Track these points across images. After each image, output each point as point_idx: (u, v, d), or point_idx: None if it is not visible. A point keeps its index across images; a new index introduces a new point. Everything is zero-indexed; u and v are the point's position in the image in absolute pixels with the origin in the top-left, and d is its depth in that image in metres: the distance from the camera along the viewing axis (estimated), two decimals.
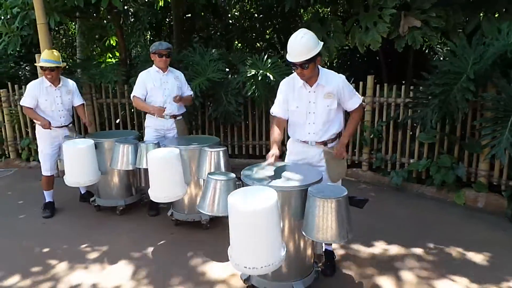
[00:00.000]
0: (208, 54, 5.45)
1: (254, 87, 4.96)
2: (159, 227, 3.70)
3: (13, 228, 3.75)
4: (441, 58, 6.49)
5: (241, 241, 2.16)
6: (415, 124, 4.53)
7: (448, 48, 4.38)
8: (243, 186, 2.48)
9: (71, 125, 4.10)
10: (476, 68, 3.72)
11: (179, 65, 5.13)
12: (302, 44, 2.50)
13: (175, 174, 3.22)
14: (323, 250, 2.93)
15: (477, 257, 3.10)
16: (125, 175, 4.02)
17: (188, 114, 4.79)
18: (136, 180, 4.15)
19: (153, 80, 3.85)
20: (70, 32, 9.20)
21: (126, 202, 4.02)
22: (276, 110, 2.82)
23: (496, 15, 4.56)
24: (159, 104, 3.84)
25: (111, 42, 8.13)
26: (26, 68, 7.44)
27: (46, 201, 4.06)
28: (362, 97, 4.75)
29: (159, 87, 3.85)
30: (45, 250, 3.31)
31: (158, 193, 3.23)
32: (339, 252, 3.18)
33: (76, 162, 3.63)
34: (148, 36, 8.45)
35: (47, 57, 3.75)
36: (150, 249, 3.29)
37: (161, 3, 7.71)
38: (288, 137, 2.94)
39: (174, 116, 3.96)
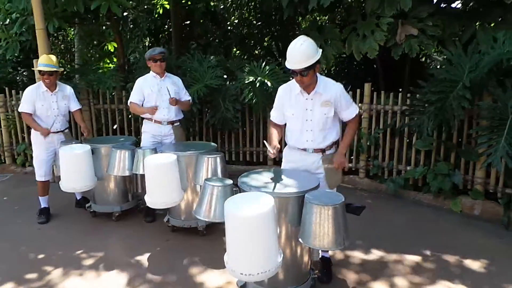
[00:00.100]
0: (206, 61, 5.47)
1: (251, 94, 4.98)
2: (155, 233, 3.68)
3: (8, 234, 3.72)
4: (438, 66, 6.53)
5: (238, 247, 2.15)
6: (412, 132, 4.55)
7: (445, 56, 4.42)
8: (240, 192, 2.48)
9: (67, 130, 4.10)
10: (472, 76, 3.75)
11: (177, 71, 5.14)
12: (301, 51, 2.51)
13: (172, 180, 3.21)
14: (320, 257, 2.92)
15: (475, 264, 3.10)
16: (121, 181, 4.00)
17: (185, 120, 4.79)
18: (132, 186, 4.14)
19: (150, 85, 3.87)
20: (68, 38, 9.21)
21: (122, 208, 4.00)
22: (273, 114, 2.86)
23: (492, 25, 4.61)
24: (159, 108, 3.85)
25: (109, 48, 8.15)
26: (24, 73, 7.43)
27: (42, 206, 4.04)
28: (360, 104, 4.85)
29: (156, 93, 3.86)
30: (40, 256, 3.28)
31: (154, 199, 3.21)
32: (335, 259, 3.17)
33: (73, 167, 3.61)
34: (146, 43, 8.48)
35: (45, 61, 3.76)
36: (146, 256, 3.27)
37: (160, 10, 7.76)
38: (285, 144, 2.95)
39: (172, 122, 3.96)
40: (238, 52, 8.62)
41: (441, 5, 5.00)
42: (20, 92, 5.43)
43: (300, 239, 2.32)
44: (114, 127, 6.00)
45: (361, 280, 2.91)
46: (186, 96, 4.13)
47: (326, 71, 7.63)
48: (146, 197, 3.24)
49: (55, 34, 8.11)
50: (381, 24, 4.45)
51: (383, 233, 3.66)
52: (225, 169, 3.35)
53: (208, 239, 3.54)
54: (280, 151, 2.80)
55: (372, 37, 4.54)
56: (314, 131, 2.71)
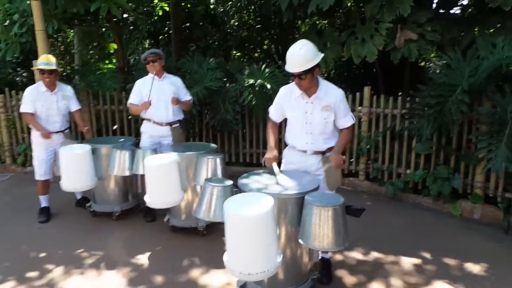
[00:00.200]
0: (206, 63, 5.49)
1: (251, 96, 5.00)
2: (155, 233, 3.69)
3: (8, 233, 3.71)
4: (437, 71, 6.57)
5: (237, 246, 2.16)
6: (411, 135, 4.58)
7: (444, 61, 4.45)
8: (240, 193, 2.49)
9: (67, 130, 4.10)
10: (471, 81, 3.78)
11: (177, 73, 5.16)
12: (300, 55, 2.54)
13: (172, 180, 3.21)
14: (320, 258, 2.93)
15: (475, 268, 3.10)
16: (121, 181, 4.01)
17: (185, 122, 4.80)
18: (132, 186, 4.14)
19: (148, 87, 3.87)
20: (68, 40, 9.23)
21: (122, 208, 4.01)
22: (271, 112, 2.91)
23: (491, 31, 4.64)
24: (155, 110, 3.86)
25: (109, 49, 8.17)
26: (23, 74, 7.44)
27: (42, 206, 4.04)
28: (359, 107, 4.88)
29: (155, 93, 3.86)
30: (41, 255, 3.28)
31: (154, 199, 3.22)
32: (335, 260, 3.18)
33: (73, 167, 3.62)
34: (146, 45, 8.50)
35: (45, 60, 3.77)
36: (147, 255, 3.27)
37: (159, 12, 7.79)
38: (285, 145, 2.97)
39: (170, 124, 3.96)
40: (237, 55, 8.65)
41: (440, 11, 5.04)
42: (20, 92, 5.44)
43: (300, 240, 2.33)
44: (114, 127, 6.01)
45: (360, 281, 2.91)
46: (186, 96, 4.13)
47: (326, 75, 7.66)
48: (146, 197, 3.25)
49: (55, 36, 8.13)
50: (380, 29, 4.48)
51: (383, 235, 3.67)
52: (225, 170, 3.36)
53: (208, 239, 3.54)
54: (280, 152, 2.84)
55: (371, 41, 4.57)
56: (314, 134, 2.73)
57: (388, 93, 4.97)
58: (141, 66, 5.65)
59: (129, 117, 5.73)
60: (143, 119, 4.07)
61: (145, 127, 4.03)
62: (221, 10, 8.53)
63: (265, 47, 8.60)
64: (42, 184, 4.01)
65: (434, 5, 5.03)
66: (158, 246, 3.45)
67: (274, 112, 2.89)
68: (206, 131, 5.72)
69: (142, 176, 3.50)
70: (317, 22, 7.88)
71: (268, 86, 4.93)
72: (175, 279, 2.93)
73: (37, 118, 3.86)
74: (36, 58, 4.35)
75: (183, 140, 4.24)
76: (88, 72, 5.89)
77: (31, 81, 5.40)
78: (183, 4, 7.59)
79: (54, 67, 3.76)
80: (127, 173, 3.69)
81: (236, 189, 2.54)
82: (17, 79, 7.18)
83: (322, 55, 2.63)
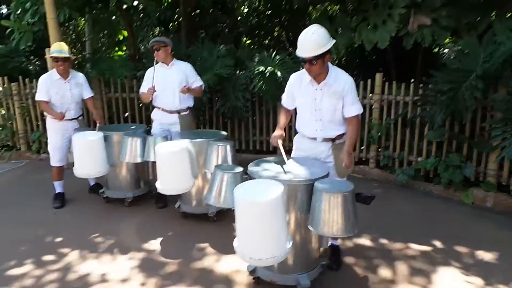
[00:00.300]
0: (216, 50, 5.47)
1: (261, 83, 4.98)
2: (167, 219, 3.75)
3: (24, 218, 3.81)
4: (451, 57, 6.44)
5: (247, 232, 2.19)
6: (423, 122, 4.52)
7: (459, 46, 4.35)
8: (249, 180, 2.50)
9: (81, 118, 4.16)
10: (486, 67, 3.69)
11: (187, 60, 5.15)
12: (312, 40, 2.51)
13: (182, 167, 3.24)
14: (329, 244, 2.95)
15: (487, 256, 3.08)
16: (133, 168, 4.06)
17: (196, 109, 4.81)
18: (144, 172, 4.20)
19: (157, 75, 3.88)
20: (79, 28, 9.28)
21: (134, 194, 4.07)
22: (283, 98, 2.91)
23: (510, 15, 4.50)
24: (163, 98, 3.88)
25: (119, 36, 8.20)
26: (37, 63, 7.53)
27: (57, 191, 4.13)
28: (371, 94, 4.82)
29: (163, 81, 3.87)
30: (57, 239, 3.37)
31: (165, 185, 3.25)
32: (345, 247, 3.20)
33: (86, 154, 3.68)
34: (156, 32, 8.50)
35: (58, 48, 3.80)
36: (159, 240, 3.34)
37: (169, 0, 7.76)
38: (295, 133, 2.96)
39: (178, 111, 3.98)
40: (248, 41, 8.59)
41: None
42: (34, 81, 5.51)
43: (309, 226, 2.35)
44: (126, 115, 6.07)
45: (369, 268, 2.93)
46: (196, 82, 4.09)
47: (337, 61, 7.57)
48: (157, 184, 3.29)
49: (66, 24, 8.17)
50: (393, 14, 4.39)
51: (393, 222, 3.67)
52: (235, 157, 3.37)
53: (219, 225, 3.59)
54: (290, 140, 2.84)
55: (383, 27, 4.48)
56: (323, 121, 2.72)
57: (400, 80, 4.90)
58: (151, 54, 5.67)
59: (140, 104, 5.78)
60: (154, 107, 4.10)
61: (155, 115, 4.06)
62: None
63: (275, 34, 8.52)
64: (57, 170, 4.09)
65: None
66: (170, 231, 3.51)
67: (286, 99, 2.89)
68: (216, 118, 5.74)
69: (154, 163, 3.54)
70: (329, 8, 7.75)
71: (279, 73, 4.90)
72: (186, 264, 2.98)
73: (52, 105, 3.91)
74: (49, 47, 4.39)
75: (194, 127, 4.26)
76: (99, 60, 5.93)
77: (44, 69, 5.46)
78: None
79: (67, 55, 3.80)
80: (138, 160, 3.73)
81: (246, 175, 2.56)
82: (30, 67, 7.27)
83: (334, 41, 2.60)
